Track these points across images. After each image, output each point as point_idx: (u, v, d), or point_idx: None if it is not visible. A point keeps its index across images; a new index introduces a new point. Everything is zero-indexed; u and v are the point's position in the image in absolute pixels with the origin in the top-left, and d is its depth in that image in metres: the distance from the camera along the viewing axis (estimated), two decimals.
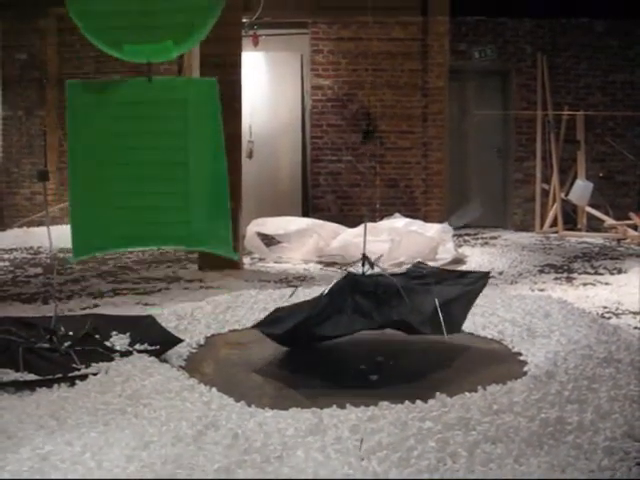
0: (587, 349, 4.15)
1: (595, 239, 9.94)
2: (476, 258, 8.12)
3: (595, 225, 10.55)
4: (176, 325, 4.86)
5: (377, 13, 8.80)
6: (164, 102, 4.35)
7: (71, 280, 6.95)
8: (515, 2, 10.53)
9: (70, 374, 3.78)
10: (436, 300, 4.31)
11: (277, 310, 4.65)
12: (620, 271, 7.36)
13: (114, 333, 4.37)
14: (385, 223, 8.57)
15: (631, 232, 9.76)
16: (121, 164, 4.36)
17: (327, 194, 10.58)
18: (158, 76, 4.42)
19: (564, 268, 7.63)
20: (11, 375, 3.74)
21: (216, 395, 3.55)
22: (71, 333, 4.28)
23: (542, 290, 6.40)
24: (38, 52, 11.01)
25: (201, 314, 5.22)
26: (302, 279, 7.01)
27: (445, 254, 7.82)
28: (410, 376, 4.03)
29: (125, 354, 4.04)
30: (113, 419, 3.23)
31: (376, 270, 4.63)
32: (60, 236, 8.87)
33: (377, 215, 9.25)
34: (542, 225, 10.78)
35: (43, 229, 8.84)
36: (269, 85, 10.66)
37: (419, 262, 5.32)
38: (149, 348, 4.16)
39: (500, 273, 7.28)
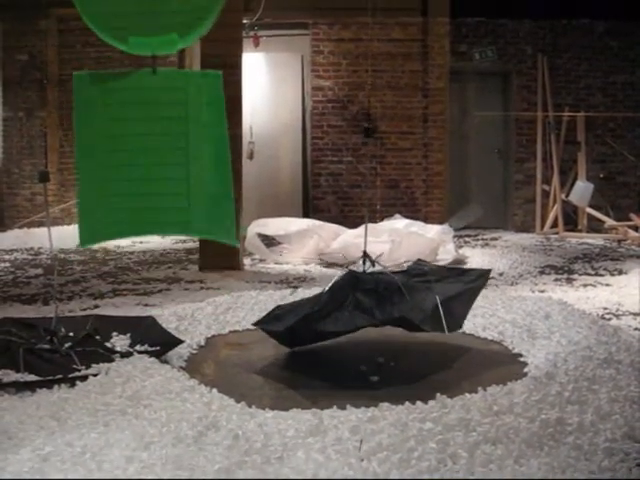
0: (587, 350, 4.15)
1: (596, 240, 9.93)
2: (476, 259, 8.12)
3: (596, 226, 10.54)
4: (176, 326, 4.86)
5: (377, 14, 8.81)
6: (168, 92, 4.39)
7: (71, 281, 6.95)
8: (515, 3, 10.53)
9: (70, 375, 3.78)
10: (437, 297, 4.31)
11: (277, 308, 4.64)
12: (620, 272, 7.35)
13: (114, 334, 4.37)
14: (385, 224, 8.58)
15: (632, 233, 9.76)
16: (126, 153, 4.41)
17: (328, 195, 10.59)
18: (162, 68, 4.47)
19: (564, 269, 7.63)
20: (12, 376, 3.74)
21: (216, 396, 3.55)
22: (71, 334, 4.28)
23: (542, 291, 6.40)
24: (39, 53, 11.01)
25: (201, 315, 5.22)
26: (302, 280, 7.01)
27: (446, 255, 7.82)
28: (410, 377, 4.03)
29: (125, 355, 4.05)
30: (113, 420, 3.23)
31: (377, 268, 4.64)
32: (60, 237, 8.93)
33: (377, 216, 9.26)
34: (543, 226, 10.77)
35: (44, 230, 8.88)
36: (270, 86, 10.67)
37: (420, 260, 5.31)
38: (149, 349, 4.16)
39: (500, 274, 7.28)
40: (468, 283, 4.68)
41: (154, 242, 9.73)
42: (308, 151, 10.74)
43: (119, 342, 4.28)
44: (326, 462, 2.76)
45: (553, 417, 3.14)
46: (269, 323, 4.45)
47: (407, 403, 3.39)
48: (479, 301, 4.91)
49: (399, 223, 8.54)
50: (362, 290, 4.33)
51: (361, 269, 4.62)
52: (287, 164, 10.77)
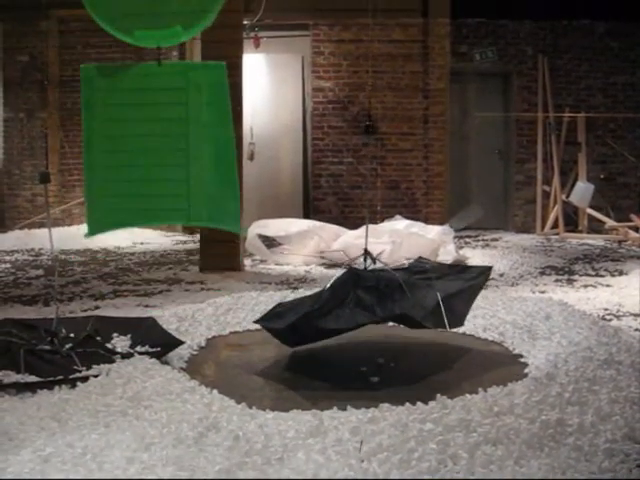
0: (588, 351, 4.15)
1: (596, 241, 9.94)
2: (477, 260, 8.11)
3: (596, 227, 10.55)
4: (177, 327, 4.86)
5: (378, 15, 8.80)
6: (174, 81, 4.45)
7: (72, 282, 6.95)
8: (516, 4, 10.53)
9: (71, 376, 3.78)
10: (438, 294, 4.30)
11: (279, 305, 4.63)
12: (621, 273, 7.36)
13: (115, 335, 4.37)
14: (386, 225, 8.58)
15: (632, 234, 9.76)
16: (130, 141, 4.47)
17: (328, 196, 10.59)
18: (167, 61, 4.55)
19: (565, 270, 7.63)
20: (12, 377, 3.74)
21: (217, 397, 3.55)
22: (72, 335, 4.28)
23: (543, 292, 6.40)
24: (39, 54, 11.02)
25: (202, 316, 5.22)
26: (303, 281, 7.01)
27: (446, 256, 7.82)
28: (411, 378, 4.03)
29: (126, 356, 4.04)
30: (114, 421, 3.23)
31: (378, 265, 4.64)
32: (61, 238, 8.93)
33: (378, 217, 9.27)
34: (543, 227, 10.78)
35: (44, 231, 8.88)
36: (270, 87, 10.67)
37: (421, 257, 5.31)
38: (150, 350, 4.16)
39: (501, 275, 7.28)
40: (469, 280, 4.67)
41: (155, 243, 9.74)
42: (309, 152, 10.75)
43: (120, 343, 4.28)
44: (326, 463, 2.76)
45: (553, 418, 3.14)
46: (270, 321, 4.43)
47: (407, 404, 3.39)
48: (479, 302, 4.90)
49: (400, 224, 8.55)
50: (363, 287, 4.32)
51: (362, 267, 4.62)
52: (287, 165, 10.77)
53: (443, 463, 2.77)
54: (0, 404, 3.46)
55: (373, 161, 10.43)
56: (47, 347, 4.07)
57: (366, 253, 4.64)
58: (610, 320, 5.30)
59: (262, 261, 8.13)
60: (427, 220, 9.82)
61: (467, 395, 3.52)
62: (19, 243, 9.55)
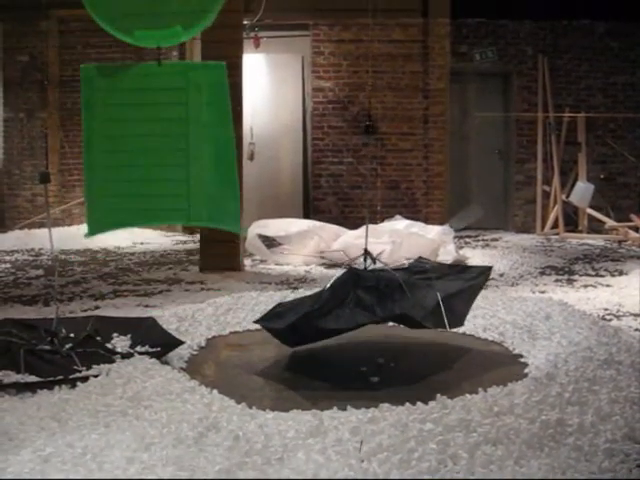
0: (588, 351, 4.15)
1: (596, 241, 9.94)
2: (477, 260, 8.11)
3: (596, 227, 10.55)
4: (177, 327, 4.86)
5: (378, 15, 8.80)
6: (173, 81, 4.46)
7: (72, 282, 6.95)
8: (516, 4, 10.53)
9: (71, 376, 3.78)
10: (438, 294, 4.30)
11: (279, 305, 4.63)
12: (621, 273, 7.36)
13: (115, 335, 4.37)
14: (386, 225, 8.58)
15: (632, 234, 9.76)
16: (131, 141, 4.48)
17: (328, 196, 10.59)
18: (167, 61, 4.56)
19: (565, 270, 7.63)
20: (12, 377, 3.74)
21: (217, 397, 3.55)
22: (72, 335, 4.29)
23: (543, 292, 6.40)
24: (39, 54, 11.02)
25: (202, 316, 5.22)
26: (303, 281, 7.01)
27: (446, 256, 7.82)
28: (411, 378, 4.03)
29: (126, 356, 4.04)
30: (114, 421, 3.23)
31: (378, 265, 4.64)
32: (61, 238, 8.93)
33: (378, 217, 9.26)
34: (543, 227, 10.78)
35: (44, 231, 8.88)
36: (270, 87, 10.67)
37: (420, 257, 5.31)
38: (150, 350, 4.16)
39: (501, 275, 7.28)
40: (469, 280, 4.67)
41: (155, 243, 9.74)
42: (309, 152, 10.75)
43: (120, 343, 4.28)
44: (326, 463, 2.76)
45: (553, 418, 3.14)
46: (270, 321, 4.43)
47: (407, 404, 3.39)
48: (480, 302, 4.90)
49: (400, 224, 8.55)
50: (363, 287, 4.32)
51: (362, 267, 4.62)
52: (287, 165, 10.77)
53: (443, 463, 2.77)
54: (0, 404, 3.46)
55: (373, 161, 10.43)
56: (47, 347, 4.07)
57: (366, 253, 4.64)
58: (610, 320, 5.30)
59: (262, 261, 8.13)
60: (427, 220, 9.82)
61: (467, 395, 3.52)
62: (19, 243, 9.55)
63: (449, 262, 7.62)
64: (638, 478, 2.69)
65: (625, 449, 2.87)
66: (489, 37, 11.01)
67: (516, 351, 4.49)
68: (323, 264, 7.89)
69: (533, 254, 8.70)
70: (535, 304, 5.48)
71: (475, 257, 8.32)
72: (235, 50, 7.39)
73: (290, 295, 5.54)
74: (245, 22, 9.12)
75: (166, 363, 4.09)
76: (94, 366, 3.89)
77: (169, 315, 5.16)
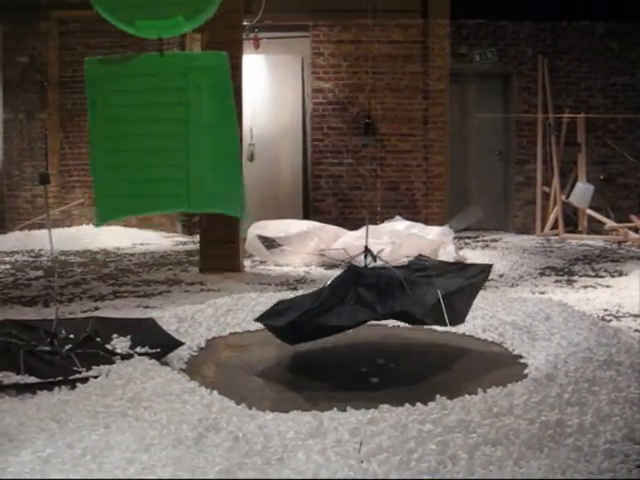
0: (587, 352, 4.15)
1: (596, 241, 9.94)
2: (477, 261, 8.11)
3: (596, 227, 10.55)
4: (177, 328, 4.86)
5: (378, 16, 8.81)
6: (174, 74, 4.49)
7: (72, 283, 6.96)
8: (516, 5, 10.54)
9: (71, 377, 3.78)
10: (438, 291, 4.30)
11: (279, 303, 4.61)
12: (621, 274, 7.35)
13: (115, 336, 4.37)
14: (386, 226, 8.58)
15: (632, 234, 9.76)
16: (135, 134, 4.53)
17: (328, 197, 10.59)
18: (169, 51, 4.61)
19: (565, 271, 7.63)
20: (12, 378, 3.74)
21: (217, 398, 3.55)
22: (72, 336, 4.28)
23: (543, 293, 6.40)
24: (39, 55, 11.03)
25: (202, 317, 5.22)
26: (303, 282, 7.02)
27: (446, 257, 7.82)
28: (410, 379, 4.03)
29: (126, 357, 4.04)
30: (114, 422, 3.23)
31: (378, 263, 4.64)
32: (61, 239, 8.93)
33: (378, 218, 9.26)
34: (543, 228, 10.78)
35: (44, 232, 8.88)
36: (270, 88, 10.68)
37: (420, 255, 5.31)
38: (150, 351, 4.16)
39: (501, 276, 7.28)
40: (469, 278, 4.66)
41: (154, 244, 9.75)
42: (308, 153, 10.75)
43: (119, 344, 4.28)
44: (326, 464, 2.76)
45: (553, 419, 3.14)
46: (270, 318, 4.41)
47: (407, 405, 3.39)
48: (479, 303, 4.90)
49: (399, 225, 8.55)
50: (363, 285, 4.31)
51: (362, 265, 4.62)
52: (287, 166, 10.78)
53: (443, 464, 2.77)
54: (0, 405, 3.46)
55: (373, 162, 10.44)
56: (47, 348, 4.07)
57: (366, 251, 4.64)
58: (610, 321, 5.30)
59: (262, 262, 8.13)
60: (427, 221, 9.82)
61: (467, 396, 3.52)
62: (19, 244, 9.55)
63: None
64: (638, 478, 2.69)
65: (625, 450, 2.87)
66: (489, 38, 11.01)
67: (516, 352, 4.49)
68: (323, 265, 7.89)
69: (533, 255, 8.70)
70: (535, 305, 5.48)
71: (475, 258, 8.31)
72: (235, 51, 7.38)
73: (290, 296, 5.54)
74: (245, 23, 9.12)
75: (166, 364, 4.09)
76: (94, 367, 3.89)
77: (169, 316, 5.16)
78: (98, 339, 4.27)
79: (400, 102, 10.49)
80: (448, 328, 4.72)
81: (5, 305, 5.98)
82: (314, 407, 3.43)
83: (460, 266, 5.05)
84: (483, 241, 10.07)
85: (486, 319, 5.15)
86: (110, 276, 7.37)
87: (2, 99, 11.21)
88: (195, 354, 4.46)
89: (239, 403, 3.48)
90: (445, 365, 4.29)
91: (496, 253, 8.80)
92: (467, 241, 9.94)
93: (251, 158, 10.39)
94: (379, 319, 4.46)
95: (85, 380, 3.74)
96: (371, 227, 6.75)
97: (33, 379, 3.74)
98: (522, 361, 4.29)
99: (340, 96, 10.53)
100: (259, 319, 4.51)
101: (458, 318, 4.44)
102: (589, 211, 10.57)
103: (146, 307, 5.83)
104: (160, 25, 4.30)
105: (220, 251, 7.36)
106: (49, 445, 2.96)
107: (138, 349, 4.18)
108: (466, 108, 11.25)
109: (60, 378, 3.75)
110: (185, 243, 9.88)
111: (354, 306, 4.21)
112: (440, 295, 4.26)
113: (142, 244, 9.70)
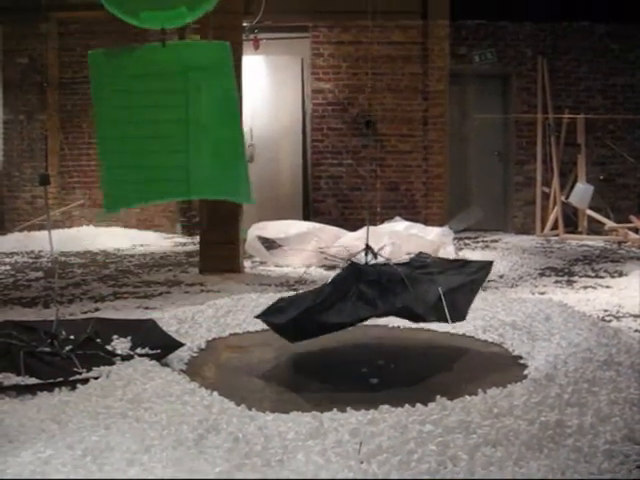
0: (587, 352, 4.15)
1: (596, 242, 9.94)
2: None
3: (596, 228, 10.55)
4: (177, 329, 4.86)
5: (377, 17, 8.81)
6: (177, 63, 4.53)
7: (72, 284, 6.96)
8: (515, 5, 10.54)
9: (71, 378, 3.78)
10: (439, 288, 4.30)
11: (280, 300, 4.61)
12: (621, 274, 7.36)
13: (115, 337, 4.37)
14: (386, 226, 8.58)
15: (632, 235, 9.76)
16: (140, 124, 4.59)
17: (328, 198, 10.60)
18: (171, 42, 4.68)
19: (565, 271, 7.63)
20: (12, 379, 3.74)
21: (217, 399, 3.55)
22: (72, 337, 4.28)
23: (543, 293, 6.40)
24: (39, 56, 11.02)
25: (202, 318, 5.22)
26: (303, 282, 7.02)
27: (446, 257, 7.82)
28: (410, 379, 4.03)
29: (126, 358, 4.05)
30: (114, 423, 3.23)
31: (379, 260, 4.64)
32: (61, 240, 8.93)
33: (378, 218, 9.26)
34: (543, 228, 10.78)
35: (44, 233, 8.87)
36: (270, 89, 10.68)
37: (421, 252, 5.31)
38: (150, 352, 4.16)
39: (501, 276, 7.28)
40: (470, 275, 4.66)
41: (154, 245, 9.75)
42: (308, 154, 10.75)
43: (120, 345, 4.28)
44: (326, 464, 2.76)
45: (553, 419, 3.14)
46: (271, 315, 4.39)
47: (407, 405, 3.39)
48: (479, 303, 4.89)
49: (399, 225, 8.55)
50: (365, 281, 4.31)
51: (363, 262, 4.62)
52: (287, 167, 10.78)
53: (443, 464, 2.77)
54: (0, 406, 3.46)
55: (373, 163, 10.44)
56: (47, 349, 4.07)
57: (367, 248, 4.64)
58: (610, 321, 5.30)
59: (262, 263, 8.13)
60: (427, 222, 9.82)
61: (467, 396, 3.52)
62: (19, 245, 9.55)
63: None
64: (638, 479, 2.69)
65: (625, 450, 2.88)
66: (488, 39, 11.02)
67: (516, 352, 4.49)
68: (323, 265, 7.88)
69: (533, 255, 8.70)
70: (535, 305, 5.48)
71: (475, 258, 8.29)
72: (235, 52, 7.37)
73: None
74: (245, 24, 9.12)
75: (166, 365, 4.09)
76: (94, 368, 3.89)
77: (169, 317, 5.16)
78: (98, 340, 4.28)
79: (400, 103, 10.49)
80: (448, 328, 4.72)
81: (5, 306, 5.99)
82: (314, 408, 3.43)
83: (461, 263, 5.05)
84: (483, 242, 10.07)
85: (486, 320, 5.15)
86: (110, 277, 7.37)
87: (2, 100, 11.21)
88: (195, 355, 4.47)
89: (239, 404, 3.48)
90: (445, 366, 4.29)
91: (496, 254, 8.79)
92: (467, 242, 9.94)
93: (251, 159, 10.39)
94: (380, 316, 4.45)
95: (85, 381, 3.74)
96: (371, 228, 6.75)
97: (33, 380, 3.74)
98: (522, 362, 4.29)
99: (340, 97, 10.53)
100: (260, 316, 4.50)
101: (459, 315, 4.43)
102: (589, 211, 10.58)
103: (146, 308, 5.83)
104: (163, 16, 4.35)
105: (220, 252, 7.36)
106: (49, 446, 2.96)
107: (138, 350, 4.18)
108: (466, 109, 11.25)
109: (60, 379, 3.75)
110: (185, 244, 9.88)
111: (355, 303, 4.21)
112: (441, 292, 4.26)
113: (142, 245, 9.70)
